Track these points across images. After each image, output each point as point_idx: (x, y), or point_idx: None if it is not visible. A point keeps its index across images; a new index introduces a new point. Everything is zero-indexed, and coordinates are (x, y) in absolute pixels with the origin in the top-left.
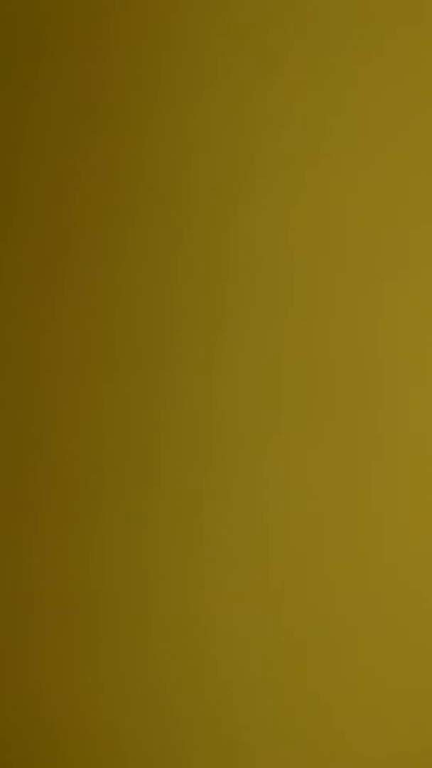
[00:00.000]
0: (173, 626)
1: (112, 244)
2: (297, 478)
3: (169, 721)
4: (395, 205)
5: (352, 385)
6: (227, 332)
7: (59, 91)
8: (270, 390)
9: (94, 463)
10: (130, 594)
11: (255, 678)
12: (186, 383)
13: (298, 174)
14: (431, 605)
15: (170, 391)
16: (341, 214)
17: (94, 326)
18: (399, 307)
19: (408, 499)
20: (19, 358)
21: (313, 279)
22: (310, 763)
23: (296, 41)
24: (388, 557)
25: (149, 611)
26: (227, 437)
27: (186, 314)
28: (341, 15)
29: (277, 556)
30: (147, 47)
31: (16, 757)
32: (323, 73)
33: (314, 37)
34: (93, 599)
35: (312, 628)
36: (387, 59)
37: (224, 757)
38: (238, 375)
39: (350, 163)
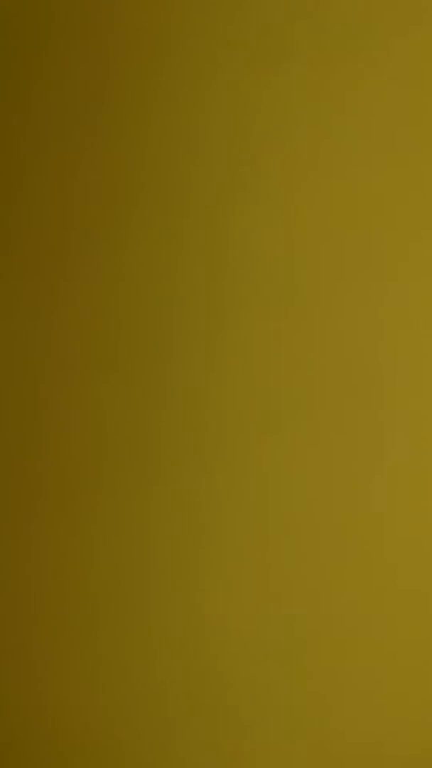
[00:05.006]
0: (173, 625)
1: (112, 242)
2: (297, 476)
3: (169, 719)
4: (395, 203)
5: (352, 385)
6: (228, 330)
7: (61, 85)
8: (270, 389)
9: (94, 459)
10: (129, 591)
11: (255, 676)
12: (186, 381)
13: (298, 173)
14: (431, 605)
15: (170, 388)
16: (342, 212)
17: (95, 322)
18: (399, 306)
19: (408, 498)
20: (20, 355)
21: (313, 277)
22: (310, 762)
23: (297, 41)
24: (388, 556)
25: (149, 610)
26: (227, 434)
27: (186, 312)
28: (342, 15)
29: (277, 555)
30: (148, 46)
31: (16, 756)
32: (324, 73)
33: (315, 37)
34: (92, 596)
35: (312, 626)
36: (388, 59)
37: (224, 755)
38: (239, 373)
39: (350, 162)
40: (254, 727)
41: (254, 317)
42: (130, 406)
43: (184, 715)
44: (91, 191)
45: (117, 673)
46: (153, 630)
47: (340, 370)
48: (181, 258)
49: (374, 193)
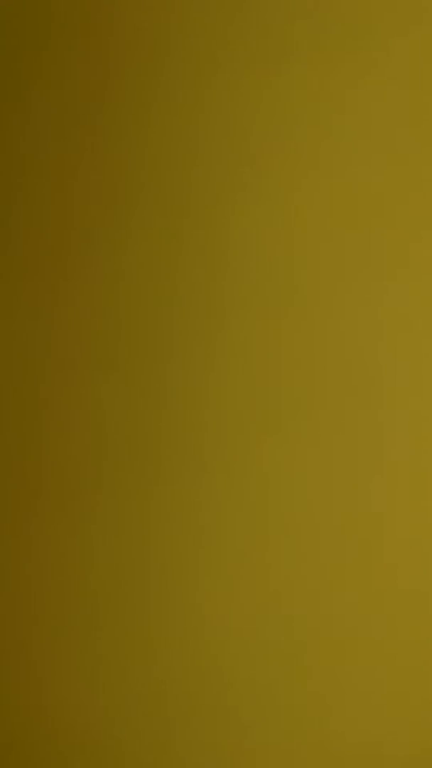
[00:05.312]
0: (173, 625)
1: (112, 243)
2: (297, 476)
3: (169, 719)
4: (395, 203)
5: (352, 385)
6: (228, 330)
7: (61, 84)
8: (270, 389)
9: (94, 459)
10: (129, 591)
11: (255, 676)
12: (186, 381)
13: (298, 173)
14: (431, 605)
15: (170, 388)
16: (342, 212)
17: (95, 322)
18: (399, 306)
19: (408, 498)
20: (20, 355)
21: (313, 277)
22: (310, 762)
23: (297, 41)
24: (388, 556)
25: (149, 610)
26: (227, 434)
27: (186, 312)
28: (342, 15)
29: (277, 555)
30: (148, 46)
31: (17, 756)
32: (324, 73)
33: (315, 37)
34: (92, 596)
35: (312, 627)
36: (388, 59)
37: (224, 756)
38: (239, 374)
39: (350, 162)
40: (254, 727)
41: (254, 317)
42: (130, 406)
43: (184, 715)
44: (91, 191)
45: (117, 674)
46: (153, 630)
47: (340, 370)
48: (181, 258)
49: (374, 193)
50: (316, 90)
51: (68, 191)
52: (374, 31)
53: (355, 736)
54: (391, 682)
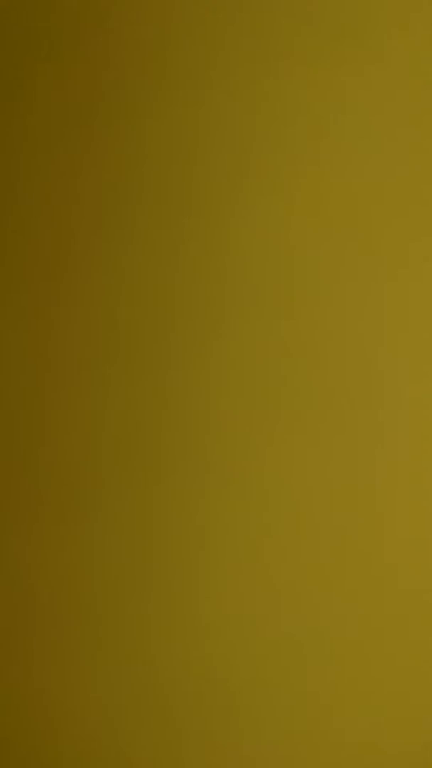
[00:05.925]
0: (173, 626)
1: (112, 242)
2: (297, 476)
3: (169, 721)
4: (395, 203)
5: (352, 385)
6: (227, 330)
7: (61, 85)
8: (270, 389)
9: (94, 462)
10: (130, 593)
11: (255, 678)
12: (186, 381)
13: (298, 173)
14: (431, 605)
15: (170, 389)
16: (342, 212)
17: (94, 323)
18: (399, 306)
19: (408, 497)
20: (20, 357)
21: (313, 276)
22: (310, 763)
23: (296, 40)
24: (389, 557)
25: (150, 611)
26: (227, 435)
27: (187, 313)
28: (342, 15)
29: (278, 556)
30: (148, 45)
31: (17, 756)
32: (324, 74)
33: (315, 37)
34: (93, 599)
35: (312, 627)
36: (388, 59)
37: (224, 756)
38: (238, 374)
39: (350, 162)
40: (255, 729)
41: (254, 317)
42: (130, 407)
43: (184, 717)
44: (91, 192)
45: (118, 676)
46: (154, 632)
47: (341, 371)
48: (181, 259)
49: (374, 193)
50: (316, 90)
51: (68, 193)
52: (374, 31)
53: (355, 737)
54: (390, 683)
